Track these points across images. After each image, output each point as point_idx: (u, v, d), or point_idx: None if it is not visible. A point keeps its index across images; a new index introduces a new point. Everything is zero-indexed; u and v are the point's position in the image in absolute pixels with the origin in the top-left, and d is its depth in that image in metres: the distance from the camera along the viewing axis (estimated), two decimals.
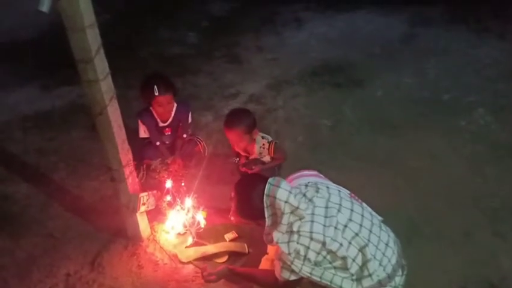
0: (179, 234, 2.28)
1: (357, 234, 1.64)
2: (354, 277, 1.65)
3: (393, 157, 2.99)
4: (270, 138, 2.52)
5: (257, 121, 3.45)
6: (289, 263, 1.63)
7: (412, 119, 3.40)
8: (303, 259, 1.62)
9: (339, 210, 1.67)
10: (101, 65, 1.67)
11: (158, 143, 2.69)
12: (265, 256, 2.07)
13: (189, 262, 2.18)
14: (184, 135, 2.73)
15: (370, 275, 1.64)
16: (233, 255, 2.20)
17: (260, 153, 2.52)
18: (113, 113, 1.81)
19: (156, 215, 2.39)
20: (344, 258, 1.61)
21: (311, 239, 1.60)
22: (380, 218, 1.85)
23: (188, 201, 2.28)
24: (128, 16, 5.76)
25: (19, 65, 4.47)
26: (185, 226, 2.28)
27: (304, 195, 1.71)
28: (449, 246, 2.29)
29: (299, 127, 3.41)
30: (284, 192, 1.64)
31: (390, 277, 1.68)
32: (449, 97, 3.70)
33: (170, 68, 4.40)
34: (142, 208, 2.09)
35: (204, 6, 5.96)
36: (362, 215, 1.72)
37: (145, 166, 2.69)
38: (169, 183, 2.28)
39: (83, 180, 2.85)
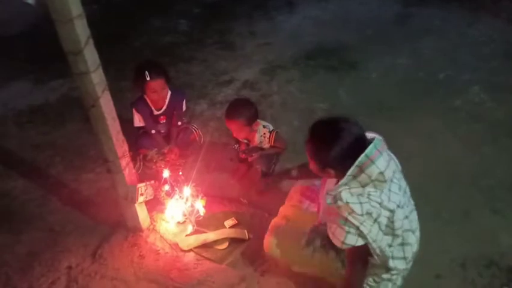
0: (179, 223, 2.29)
1: (406, 217, 1.60)
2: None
3: (389, 139, 2.92)
4: (271, 128, 2.51)
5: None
6: (358, 224, 1.48)
7: (408, 100, 3.40)
8: (374, 221, 1.49)
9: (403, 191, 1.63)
10: (91, 56, 1.64)
11: (153, 132, 2.68)
12: (281, 208, 2.13)
13: (190, 250, 2.19)
14: (179, 123, 2.71)
15: (404, 258, 1.63)
16: (233, 241, 2.21)
17: (260, 142, 2.51)
18: (106, 104, 1.78)
19: (155, 205, 2.39)
20: (395, 235, 1.56)
21: (382, 205, 1.50)
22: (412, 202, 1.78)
23: (187, 190, 2.28)
24: (116, 6, 5.68)
25: (9, 59, 4.40)
26: (184, 215, 2.28)
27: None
28: (448, 225, 2.31)
29: (295, 112, 3.39)
30: (383, 162, 1.49)
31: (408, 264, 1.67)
32: (444, 76, 3.70)
33: (162, 57, 4.34)
34: (141, 199, 2.09)
35: None
36: (409, 200, 1.69)
37: (141, 156, 2.68)
38: (166, 173, 2.27)
39: (80, 173, 2.83)
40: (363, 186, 1.50)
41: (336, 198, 1.52)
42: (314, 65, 4.04)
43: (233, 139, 2.62)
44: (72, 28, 1.54)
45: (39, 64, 4.20)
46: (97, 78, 1.70)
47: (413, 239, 1.64)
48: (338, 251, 1.79)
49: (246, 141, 2.56)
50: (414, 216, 1.69)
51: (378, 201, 1.50)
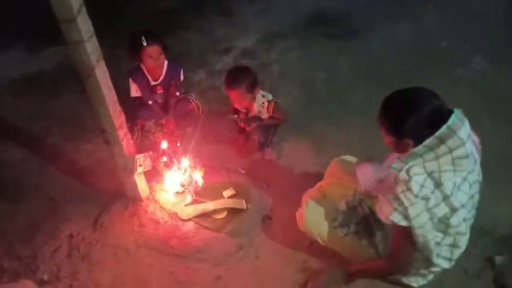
0: (177, 193, 2.30)
1: (465, 220, 1.51)
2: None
3: None
4: (270, 97, 2.49)
5: None
6: (407, 204, 1.41)
7: (409, 70, 3.34)
8: (427, 209, 1.42)
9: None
10: (85, 24, 1.60)
11: (150, 102, 2.65)
12: (318, 186, 2.03)
13: (189, 219, 2.22)
14: (177, 93, 2.69)
15: (450, 260, 1.58)
16: (232, 211, 2.24)
17: (259, 112, 2.50)
18: (102, 74, 1.75)
19: (154, 175, 2.40)
20: (447, 233, 1.50)
21: (447, 199, 1.42)
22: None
23: (185, 161, 2.28)
24: None
25: (0, 26, 4.29)
26: (183, 185, 2.30)
27: None
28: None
29: (294, 81, 3.35)
30: (465, 133, 1.39)
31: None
32: (446, 45, 3.63)
33: (158, 24, 4.24)
34: (139, 169, 2.10)
35: None
36: (474, 205, 1.58)
37: (139, 127, 2.67)
38: (164, 144, 2.27)
39: (78, 143, 2.83)
40: (440, 158, 1.38)
41: (403, 169, 1.41)
42: (314, 33, 3.96)
43: (231, 110, 2.60)
44: None
45: (32, 31, 4.10)
46: (91, 47, 1.66)
47: (464, 242, 1.55)
48: (371, 238, 1.76)
49: (244, 110, 2.54)
50: (471, 220, 1.59)
51: (447, 194, 1.40)
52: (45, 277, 2.02)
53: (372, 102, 2.97)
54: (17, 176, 2.61)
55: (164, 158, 2.25)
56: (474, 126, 2.52)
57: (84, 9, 1.59)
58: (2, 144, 2.84)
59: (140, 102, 2.66)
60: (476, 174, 1.52)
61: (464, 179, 1.45)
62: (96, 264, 2.07)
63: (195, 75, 3.48)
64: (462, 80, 3.22)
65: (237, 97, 2.38)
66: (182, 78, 2.69)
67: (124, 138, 2.00)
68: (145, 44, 2.36)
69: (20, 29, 4.25)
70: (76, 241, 2.19)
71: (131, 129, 2.57)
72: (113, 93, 1.87)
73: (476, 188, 1.54)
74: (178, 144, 2.33)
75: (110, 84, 1.84)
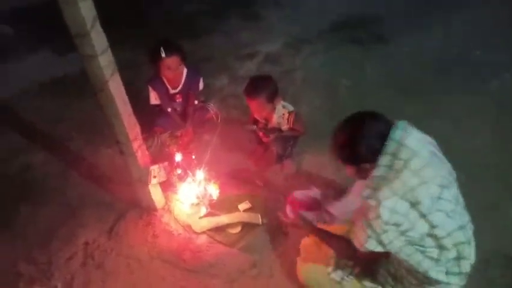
0: (193, 204, 2.28)
1: (461, 228, 1.42)
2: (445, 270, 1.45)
3: (413, 121, 2.76)
4: (291, 108, 2.41)
5: None
6: (380, 231, 1.36)
7: (436, 80, 3.20)
8: (400, 233, 1.36)
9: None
10: (98, 38, 1.59)
11: (169, 110, 2.64)
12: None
13: (203, 232, 2.19)
14: (196, 102, 2.66)
15: (460, 273, 1.46)
16: (247, 225, 2.19)
17: (279, 123, 2.43)
18: (116, 88, 1.74)
19: (169, 186, 2.38)
20: (442, 247, 1.40)
21: (426, 218, 1.34)
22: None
23: (200, 174, 2.25)
24: None
25: (28, 29, 4.41)
26: (198, 197, 2.27)
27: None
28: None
29: (317, 89, 3.27)
30: (415, 141, 1.36)
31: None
32: (476, 57, 3.43)
33: (183, 29, 4.27)
34: (154, 181, 2.08)
35: None
36: (463, 209, 1.49)
37: (158, 134, 2.66)
38: (178, 157, 2.25)
39: (99, 148, 2.86)
40: (400, 174, 1.32)
41: (371, 196, 1.36)
42: (340, 38, 3.85)
43: (250, 120, 2.54)
44: (77, 10, 1.47)
45: (59, 34, 4.16)
46: (105, 61, 1.65)
47: (470, 252, 1.45)
48: (374, 277, 1.61)
49: (264, 121, 2.48)
50: (470, 226, 1.49)
51: (423, 212, 1.33)
52: (59, 285, 2.04)
53: (396, 112, 2.87)
54: (39, 179, 2.67)
55: (179, 171, 2.22)
56: (501, 145, 2.33)
57: (98, 23, 1.58)
58: (26, 147, 2.91)
59: (159, 109, 2.65)
60: (449, 174, 1.43)
61: (441, 186, 1.36)
62: (110, 274, 2.08)
63: (216, 81, 3.46)
64: (491, 94, 3.02)
65: (256, 107, 2.32)
66: (201, 87, 2.66)
67: (139, 149, 1.98)
68: (163, 55, 2.35)
69: (47, 31, 4.35)
70: (91, 249, 2.21)
71: (149, 137, 2.58)
72: (128, 106, 1.86)
73: (455, 189, 1.45)
74: (193, 156, 2.29)
75: (125, 97, 1.82)
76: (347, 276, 1.65)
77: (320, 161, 2.61)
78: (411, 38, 3.72)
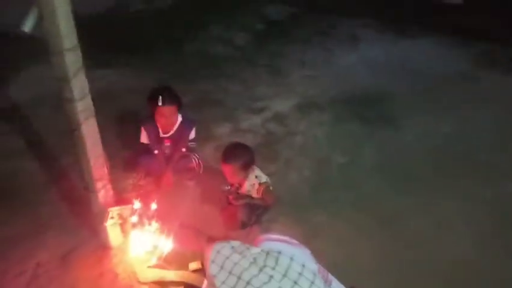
0: (145, 252, 2.29)
1: None
2: None
3: (398, 217, 2.73)
4: (264, 179, 2.44)
5: (273, 143, 3.39)
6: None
7: (434, 176, 3.10)
8: None
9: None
10: (79, 86, 1.70)
11: (156, 152, 2.71)
12: None
13: (146, 283, 2.19)
14: (183, 149, 2.73)
15: None
16: (190, 286, 2.17)
17: (249, 191, 2.46)
18: (89, 131, 1.84)
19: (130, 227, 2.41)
20: None
21: None
22: None
23: (155, 225, 2.29)
24: (183, 7, 5.85)
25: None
26: (153, 246, 2.29)
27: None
28: None
29: (311, 159, 3.26)
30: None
31: None
32: (485, 159, 3.31)
33: (207, 68, 4.44)
34: (110, 222, 2.13)
35: (261, 7, 5.88)
36: None
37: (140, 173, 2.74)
38: (137, 204, 2.29)
39: None
40: None
41: None
42: (351, 112, 3.85)
43: (226, 180, 2.58)
44: (62, 59, 1.59)
45: (89, 51, 4.42)
46: (82, 106, 1.76)
47: None
48: None
49: (237, 185, 2.51)
50: None
51: None
52: None
53: (382, 203, 2.83)
54: (20, 188, 2.78)
55: (135, 218, 2.26)
56: (485, 259, 2.18)
57: (82, 71, 1.69)
58: (19, 155, 3.06)
59: (146, 149, 2.73)
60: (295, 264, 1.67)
61: None
62: None
63: (219, 128, 3.53)
64: (489, 203, 2.88)
65: (229, 172, 2.37)
66: (193, 136, 2.74)
67: (102, 189, 2.05)
68: (160, 104, 2.45)
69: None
70: (40, 271, 2.26)
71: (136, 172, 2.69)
72: (99, 147, 1.95)
73: (307, 271, 1.66)
74: (154, 205, 2.33)
75: (98, 140, 1.93)
76: None
77: (288, 233, 2.57)
78: (421, 125, 3.67)
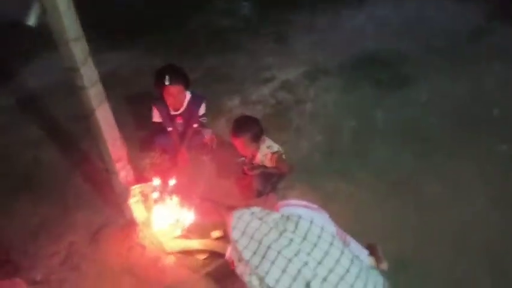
0: (169, 225, 2.42)
1: (324, 279, 1.60)
2: None
3: (412, 179, 2.76)
4: (276, 148, 2.49)
5: (283, 112, 3.41)
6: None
7: (448, 136, 3.09)
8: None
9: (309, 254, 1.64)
10: (89, 73, 1.77)
11: (170, 129, 2.79)
12: None
13: (172, 253, 2.33)
14: (195, 125, 2.80)
15: None
16: (214, 253, 2.30)
17: (262, 161, 2.52)
18: (103, 115, 1.92)
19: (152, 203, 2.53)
20: None
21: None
22: (367, 263, 1.80)
23: (177, 198, 2.40)
24: None
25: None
26: (176, 219, 2.41)
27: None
28: None
29: (322, 125, 3.29)
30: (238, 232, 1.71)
31: None
32: (499, 113, 3.27)
33: (214, 42, 4.44)
34: (133, 199, 2.25)
35: None
36: (337, 260, 1.65)
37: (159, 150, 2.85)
38: (157, 181, 2.40)
39: None
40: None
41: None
42: (361, 76, 3.82)
43: (239, 152, 2.65)
44: (69, 49, 1.65)
45: (99, 32, 4.27)
46: (94, 92, 1.83)
47: None
48: None
49: (250, 156, 2.58)
50: (346, 275, 1.62)
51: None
52: (38, 277, 2.27)
53: (396, 166, 2.86)
54: (44, 175, 2.92)
55: (156, 194, 2.37)
56: (497, 218, 2.20)
57: (90, 60, 1.75)
58: (41, 142, 3.19)
59: (160, 127, 2.81)
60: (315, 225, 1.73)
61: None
62: (82, 277, 2.28)
63: (229, 101, 3.57)
64: (505, 158, 2.89)
65: (240, 145, 2.43)
66: (202, 112, 2.79)
67: (122, 170, 2.15)
68: (167, 83, 2.50)
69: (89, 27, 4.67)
70: (72, 250, 2.42)
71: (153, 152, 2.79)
72: (115, 130, 2.03)
73: (326, 234, 1.71)
74: (174, 181, 2.44)
75: (113, 123, 2.00)
76: None
77: (305, 199, 2.66)
78: (433, 84, 3.63)
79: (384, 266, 2.06)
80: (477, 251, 2.32)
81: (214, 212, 2.54)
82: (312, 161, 2.95)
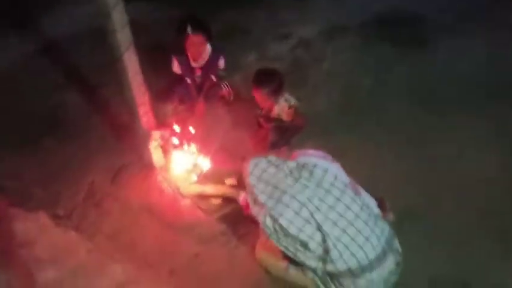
0: (186, 171, 2.54)
1: (335, 224, 1.73)
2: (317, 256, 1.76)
3: (424, 137, 2.81)
4: (292, 102, 2.55)
5: (300, 69, 3.42)
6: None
7: (465, 97, 3.09)
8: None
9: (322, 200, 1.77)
10: (119, 17, 1.81)
11: (188, 80, 2.86)
12: None
13: (189, 196, 2.47)
14: (213, 78, 2.85)
15: (332, 262, 1.74)
16: (228, 199, 2.43)
17: (279, 114, 2.59)
18: (130, 60, 1.99)
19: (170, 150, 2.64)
20: (303, 241, 1.72)
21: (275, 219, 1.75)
22: (376, 212, 1.90)
23: (194, 147, 2.50)
24: None
25: None
26: (193, 165, 2.53)
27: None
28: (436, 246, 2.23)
29: (338, 83, 3.31)
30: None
31: (364, 270, 1.75)
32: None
33: None
34: (153, 144, 2.36)
35: None
36: (348, 207, 1.77)
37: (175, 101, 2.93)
38: (176, 128, 2.49)
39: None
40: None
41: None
42: (380, 35, 3.79)
43: (257, 105, 2.72)
44: None
45: None
46: (123, 36, 1.88)
47: (350, 242, 1.70)
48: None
49: (267, 109, 2.65)
50: (355, 221, 1.74)
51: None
52: (61, 213, 2.42)
53: (408, 124, 2.90)
54: (67, 118, 3.04)
55: (175, 141, 2.47)
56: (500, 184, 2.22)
57: (121, 3, 1.79)
58: (62, 88, 3.28)
59: (179, 78, 2.87)
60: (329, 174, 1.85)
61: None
62: (104, 214, 2.42)
63: (246, 57, 3.59)
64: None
65: (260, 97, 2.50)
66: (222, 65, 2.84)
67: (144, 114, 2.25)
68: (189, 32, 2.53)
69: None
70: (94, 189, 2.56)
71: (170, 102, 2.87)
72: (140, 76, 2.10)
73: (339, 182, 1.85)
74: (192, 130, 2.53)
75: (138, 68, 2.07)
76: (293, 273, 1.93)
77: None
78: (453, 44, 3.59)
79: (391, 217, 2.17)
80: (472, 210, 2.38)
81: (229, 161, 2.65)
82: (327, 117, 2.99)
